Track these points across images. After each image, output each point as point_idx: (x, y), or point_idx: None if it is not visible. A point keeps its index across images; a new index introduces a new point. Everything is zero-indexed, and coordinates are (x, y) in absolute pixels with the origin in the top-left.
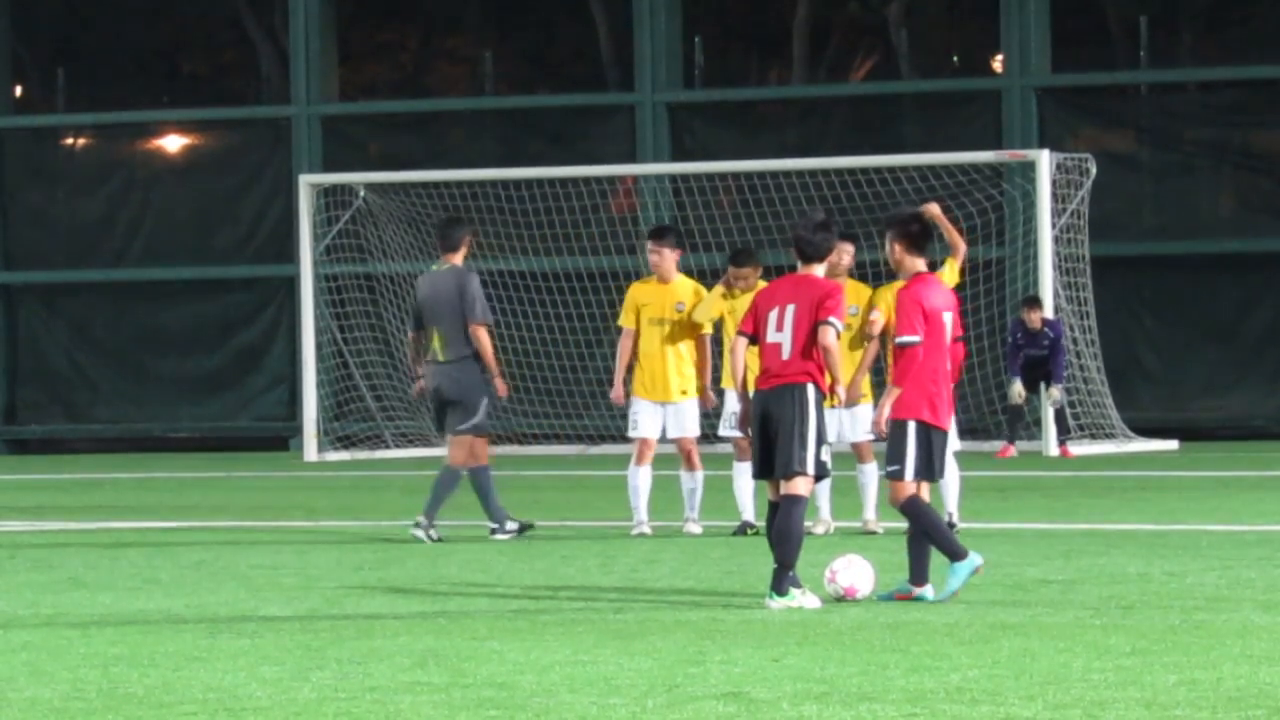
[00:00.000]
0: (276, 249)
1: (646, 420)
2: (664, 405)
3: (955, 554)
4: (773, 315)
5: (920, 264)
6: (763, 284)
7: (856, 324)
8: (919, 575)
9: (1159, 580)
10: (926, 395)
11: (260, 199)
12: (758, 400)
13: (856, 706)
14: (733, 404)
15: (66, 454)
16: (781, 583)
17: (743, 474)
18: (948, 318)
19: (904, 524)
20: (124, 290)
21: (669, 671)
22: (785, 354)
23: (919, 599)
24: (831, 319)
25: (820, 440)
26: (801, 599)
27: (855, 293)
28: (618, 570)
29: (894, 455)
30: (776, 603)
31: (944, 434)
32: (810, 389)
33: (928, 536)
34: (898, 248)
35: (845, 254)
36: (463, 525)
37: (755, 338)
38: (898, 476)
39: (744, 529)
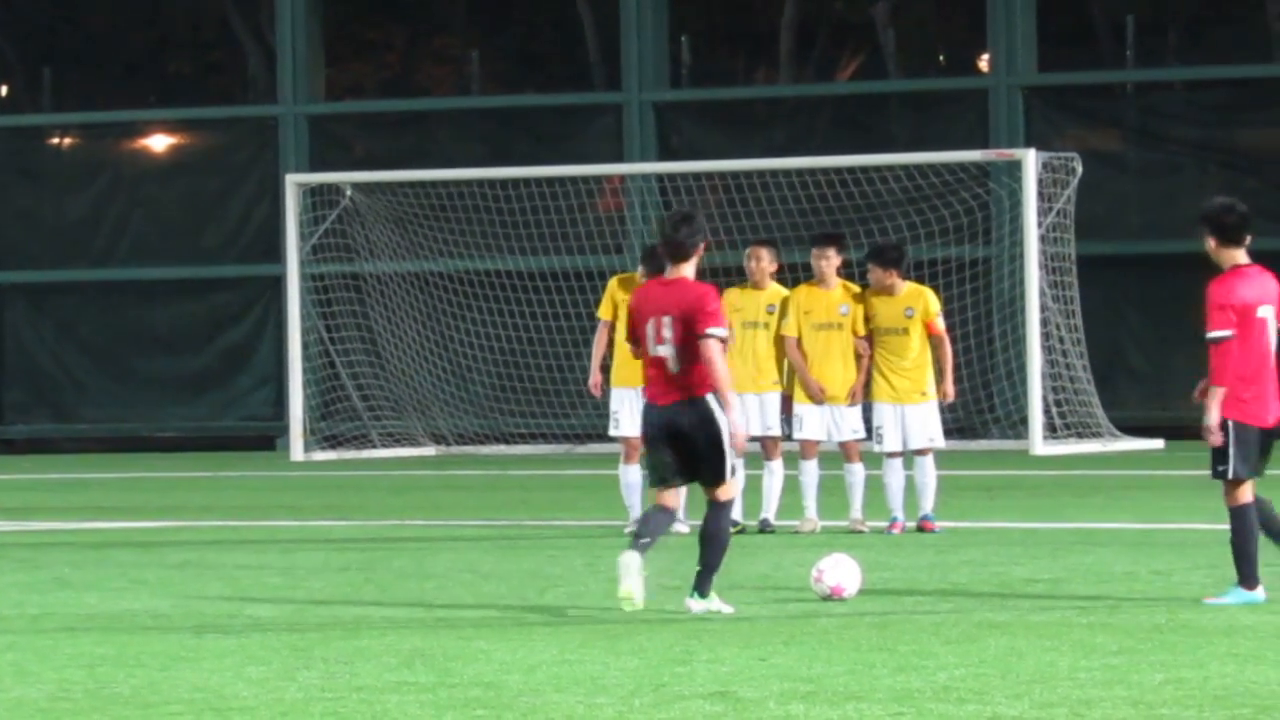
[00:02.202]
0: (263, 248)
1: (627, 417)
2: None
3: (1247, 578)
4: (650, 328)
5: (1238, 255)
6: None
7: (849, 323)
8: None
9: (1145, 579)
10: (1239, 392)
11: (247, 199)
12: (660, 414)
13: (843, 706)
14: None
15: (53, 454)
16: (705, 585)
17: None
18: (1266, 311)
19: (885, 523)
20: (110, 290)
21: (655, 671)
22: (674, 367)
23: (1249, 602)
24: (711, 330)
25: (729, 442)
26: (720, 605)
27: (846, 294)
28: (604, 570)
29: (1218, 455)
30: (698, 604)
31: (1261, 431)
32: (711, 399)
33: (1234, 549)
34: (1212, 241)
35: (824, 258)
36: (449, 525)
37: (635, 343)
38: (1222, 476)
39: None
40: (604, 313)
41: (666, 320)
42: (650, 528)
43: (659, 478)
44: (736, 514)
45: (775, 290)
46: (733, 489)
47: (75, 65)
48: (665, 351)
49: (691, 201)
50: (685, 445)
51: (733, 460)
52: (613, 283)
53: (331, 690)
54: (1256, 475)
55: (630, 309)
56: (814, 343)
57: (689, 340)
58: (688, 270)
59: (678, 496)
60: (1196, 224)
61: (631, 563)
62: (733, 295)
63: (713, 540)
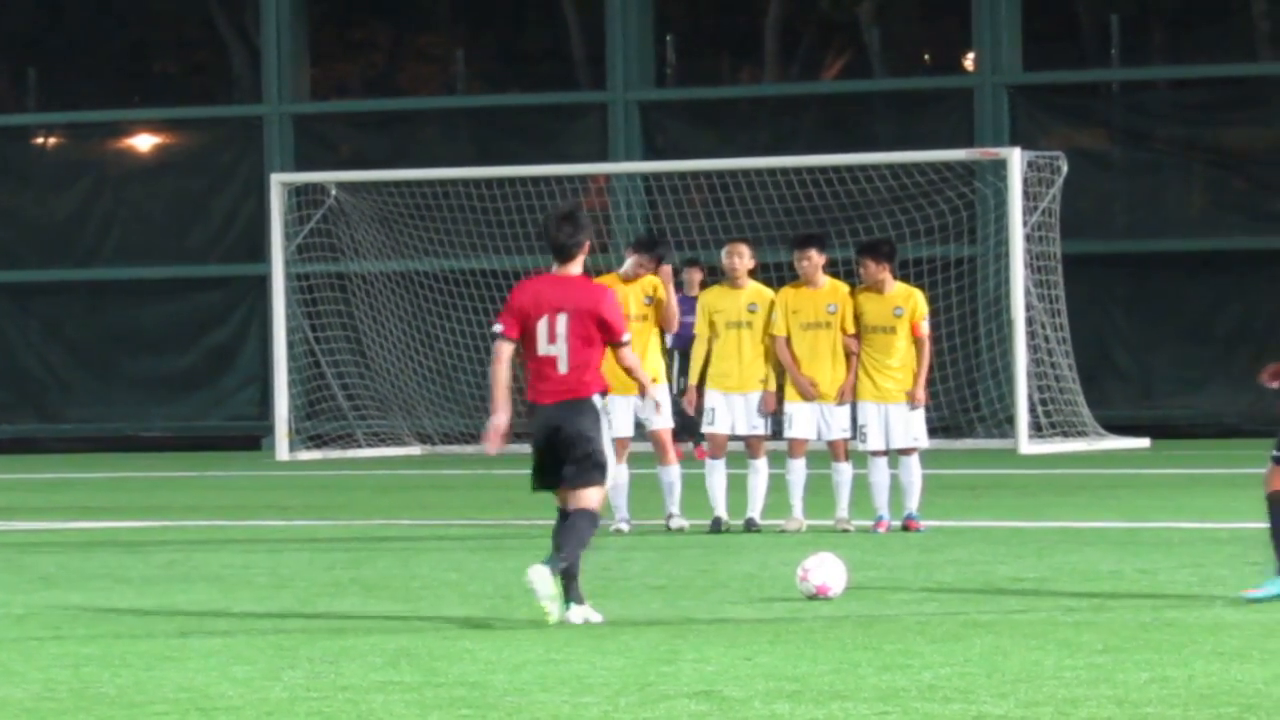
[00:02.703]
0: (248, 248)
1: (621, 419)
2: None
3: None
4: (542, 326)
5: None
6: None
7: (837, 322)
8: None
9: (1131, 578)
10: None
11: (232, 198)
12: (544, 415)
13: (829, 705)
14: (712, 400)
15: (38, 454)
16: (578, 590)
17: (715, 471)
18: None
19: (870, 523)
20: (96, 290)
21: (641, 670)
22: (563, 368)
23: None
24: (625, 337)
25: (608, 448)
26: (595, 614)
27: (835, 293)
28: (589, 569)
29: None
30: (578, 612)
31: None
32: (596, 400)
33: (1273, 537)
34: None
35: (805, 259)
36: (434, 524)
37: (523, 343)
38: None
39: (717, 525)
40: None
41: (561, 319)
42: (568, 540)
43: (545, 483)
44: (721, 512)
45: (755, 288)
46: (598, 496)
47: (60, 65)
48: (555, 351)
49: (677, 201)
50: (564, 446)
51: (609, 468)
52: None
53: (317, 690)
54: None
55: (519, 305)
56: (802, 342)
57: (585, 340)
58: (576, 268)
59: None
60: None
61: (542, 582)
62: (712, 296)
63: (574, 543)
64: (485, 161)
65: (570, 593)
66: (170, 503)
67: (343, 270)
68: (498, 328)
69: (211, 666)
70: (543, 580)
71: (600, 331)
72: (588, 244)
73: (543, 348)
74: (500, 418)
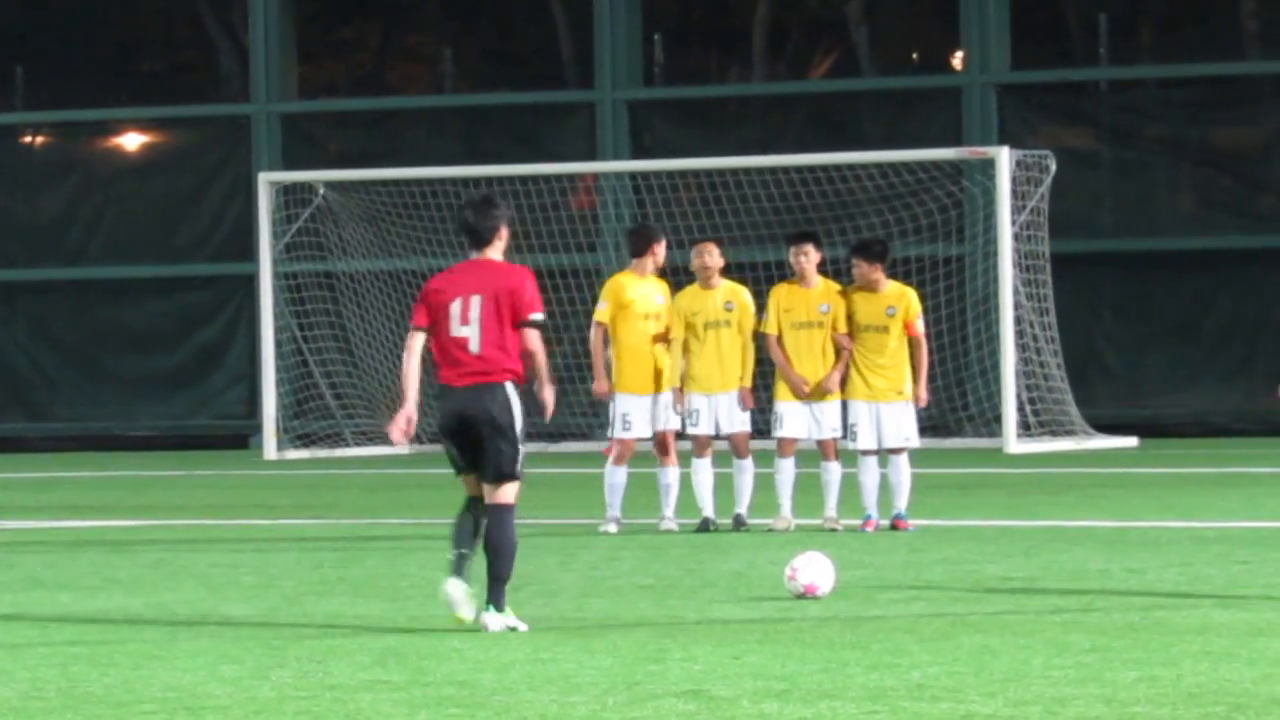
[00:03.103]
0: (236, 247)
1: (639, 420)
2: (653, 397)
3: None
4: (455, 307)
5: None
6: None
7: (829, 322)
8: None
9: (1119, 577)
10: None
11: (220, 197)
12: (452, 399)
13: (817, 704)
14: (694, 403)
15: (26, 453)
16: (501, 597)
17: (702, 470)
18: None
19: (859, 522)
20: (83, 288)
21: (629, 669)
22: (475, 348)
23: None
24: (534, 317)
25: (522, 441)
26: (516, 620)
27: (827, 292)
28: (578, 568)
29: None
30: (496, 620)
31: None
32: (509, 387)
33: None
34: None
35: (803, 254)
36: (422, 523)
37: (433, 330)
38: None
39: (705, 525)
40: (604, 316)
41: (476, 300)
42: (508, 546)
43: (457, 466)
44: (709, 511)
45: (729, 286)
46: (515, 491)
47: (47, 64)
48: (469, 332)
49: (665, 199)
50: (475, 433)
51: (522, 457)
52: (612, 285)
53: (305, 689)
54: None
55: (433, 290)
56: (794, 341)
57: (499, 321)
58: (494, 253)
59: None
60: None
61: (455, 590)
62: (686, 298)
63: (500, 550)
64: (473, 160)
65: (495, 598)
66: (158, 502)
67: (330, 269)
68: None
69: (199, 666)
70: (494, 621)
71: (511, 312)
72: (505, 229)
73: (455, 329)
74: (409, 410)
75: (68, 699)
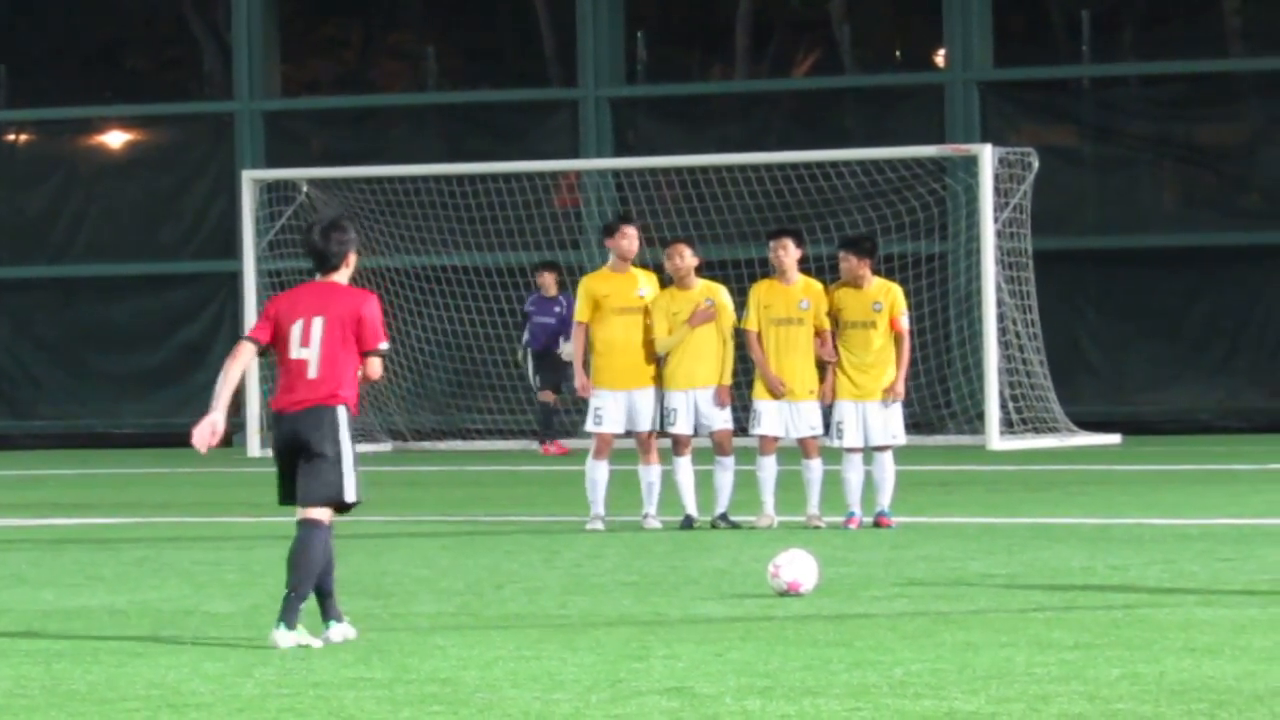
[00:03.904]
0: (220, 245)
1: (610, 415)
2: (629, 394)
3: None
4: (296, 329)
5: None
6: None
7: (809, 319)
8: None
9: (1102, 574)
10: None
11: (203, 195)
12: (285, 425)
13: (800, 701)
14: (673, 401)
15: (9, 450)
16: (293, 614)
17: (683, 468)
18: None
19: (842, 519)
20: (67, 286)
21: (612, 667)
22: (313, 372)
23: None
24: (381, 346)
25: (356, 464)
26: (309, 638)
27: (807, 289)
28: (561, 565)
29: None
30: (285, 636)
31: None
32: (342, 411)
33: None
34: None
35: (782, 249)
36: (405, 520)
37: (268, 348)
38: None
39: (688, 523)
40: (581, 315)
41: (318, 322)
42: (312, 564)
43: (281, 495)
44: (691, 510)
45: (706, 285)
46: (328, 513)
47: (30, 62)
48: (307, 355)
49: (648, 197)
50: (302, 456)
51: (355, 481)
52: (585, 283)
53: (288, 686)
54: None
55: (274, 312)
56: (774, 337)
57: (340, 346)
58: (340, 278)
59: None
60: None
61: (284, 639)
62: (664, 298)
63: (299, 566)
64: (456, 158)
65: (328, 611)
66: (142, 499)
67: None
68: (247, 330)
69: (183, 663)
70: (284, 639)
71: (357, 338)
72: (352, 255)
73: (295, 351)
74: (216, 416)
75: (51, 696)
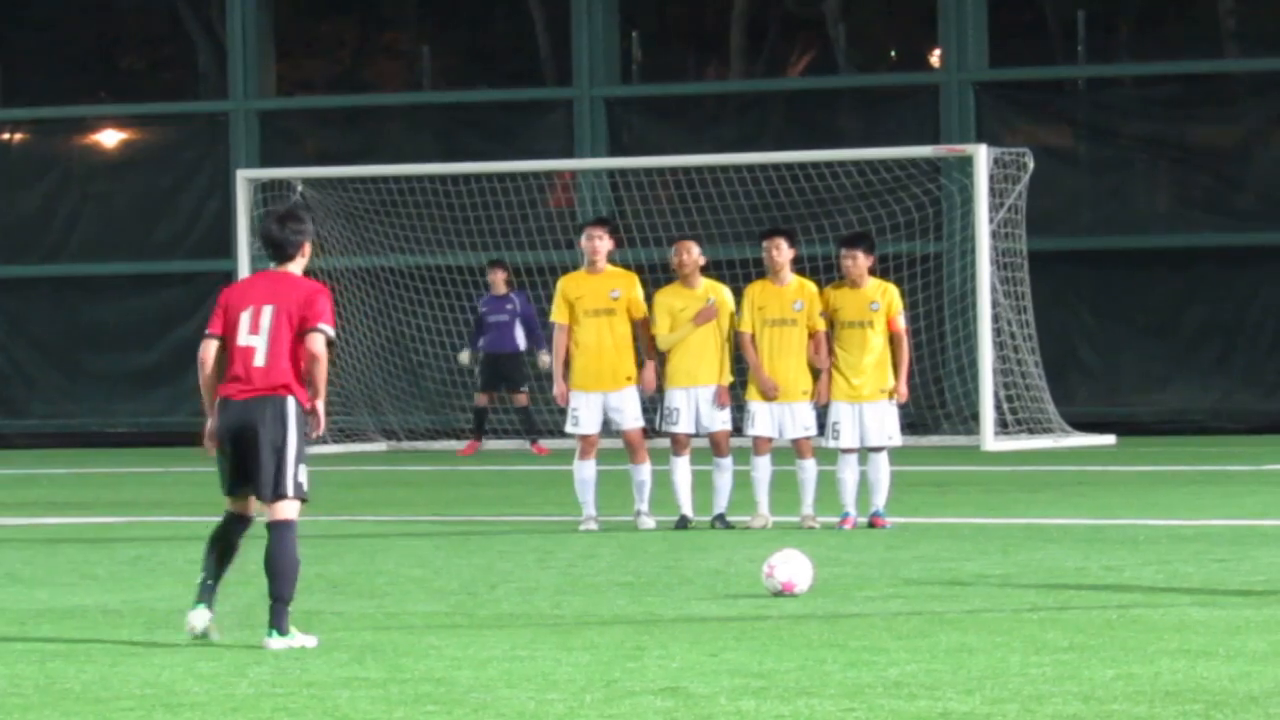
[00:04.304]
0: (214, 244)
1: (586, 415)
2: (604, 395)
3: None
4: (245, 317)
5: None
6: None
7: (803, 319)
8: None
9: (1096, 575)
10: None
11: (197, 194)
12: (232, 411)
13: (794, 701)
14: (674, 400)
15: (3, 449)
16: (283, 619)
17: (681, 468)
18: None
19: (836, 519)
20: (61, 285)
21: (606, 667)
22: (260, 360)
23: None
24: (322, 325)
25: (301, 459)
26: (302, 639)
27: (801, 290)
28: (555, 565)
29: None
30: (277, 642)
31: None
32: (291, 402)
33: None
34: None
35: (775, 249)
36: (399, 520)
37: (225, 340)
38: None
39: (683, 522)
40: (558, 316)
41: (267, 310)
42: (288, 566)
43: (224, 484)
44: (686, 509)
45: (710, 284)
46: (295, 509)
47: (25, 61)
48: (256, 342)
49: (642, 197)
50: (250, 446)
51: (299, 477)
52: (562, 284)
53: (282, 686)
54: None
55: (226, 301)
56: (769, 338)
57: (289, 334)
58: (294, 268)
59: (251, 505)
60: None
61: (198, 621)
62: (668, 295)
63: (280, 572)
64: (451, 158)
65: (278, 621)
66: (136, 498)
67: (308, 266)
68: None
69: (177, 662)
70: (278, 645)
71: (301, 320)
72: (307, 245)
73: (243, 338)
74: (211, 424)
75: (46, 695)
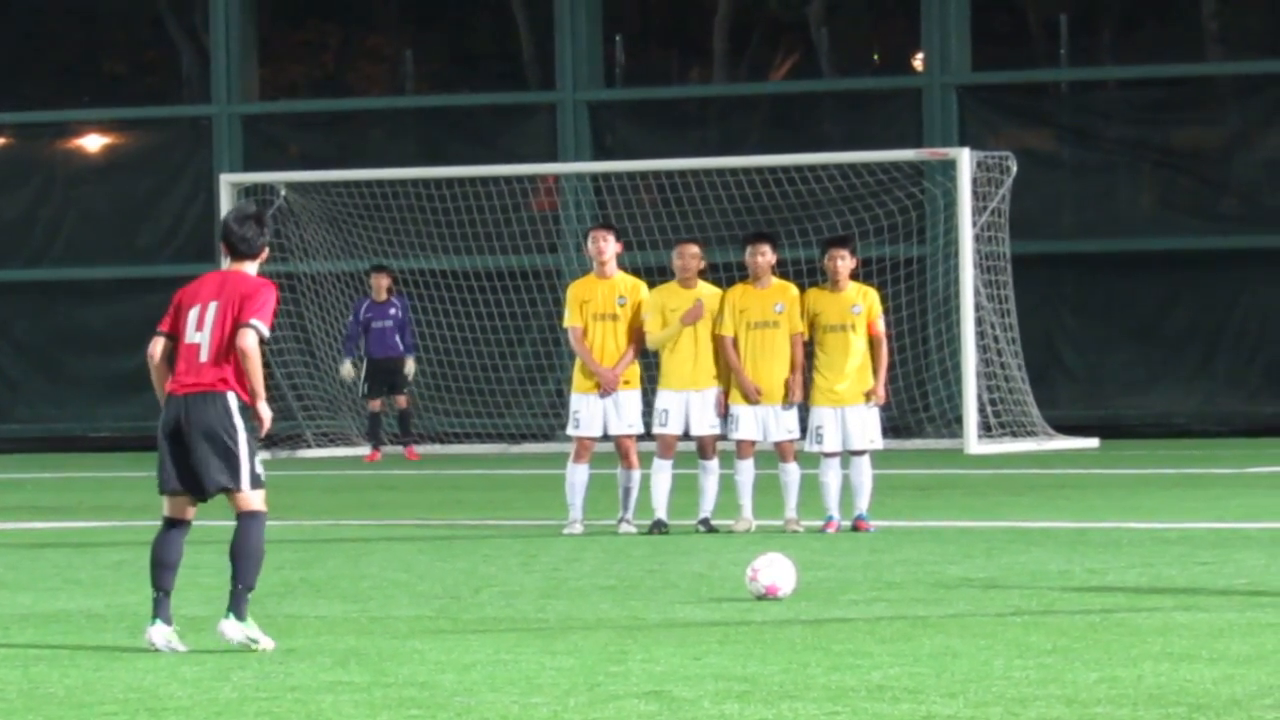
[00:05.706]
0: (197, 248)
1: (587, 418)
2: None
3: None
4: (193, 314)
5: None
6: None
7: (785, 321)
8: None
9: (1080, 578)
10: None
11: (181, 198)
12: (173, 406)
13: (778, 705)
14: (665, 402)
15: None
16: (242, 605)
17: (663, 471)
18: None
19: (820, 523)
20: (44, 289)
21: (590, 670)
22: (203, 356)
23: None
24: (254, 321)
25: (254, 451)
26: (261, 638)
27: (782, 292)
28: (539, 569)
29: None
30: (232, 627)
31: None
32: (232, 398)
33: None
34: None
35: (759, 254)
36: (383, 524)
37: (175, 337)
38: None
39: (658, 527)
40: (572, 320)
41: (212, 305)
42: (254, 553)
43: (162, 482)
44: (662, 515)
45: (706, 288)
46: (260, 498)
47: (8, 65)
48: (200, 339)
49: (626, 201)
50: (189, 441)
51: (252, 468)
52: (572, 289)
53: (266, 690)
54: None
55: (179, 300)
56: (751, 341)
57: (228, 330)
58: (249, 268)
59: (190, 509)
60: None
61: (158, 637)
62: (663, 295)
63: (245, 558)
64: (434, 162)
65: (237, 605)
66: (120, 503)
67: (292, 270)
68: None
69: (160, 667)
70: (233, 629)
71: (238, 316)
72: (266, 249)
73: (189, 335)
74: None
75: (29, 700)
